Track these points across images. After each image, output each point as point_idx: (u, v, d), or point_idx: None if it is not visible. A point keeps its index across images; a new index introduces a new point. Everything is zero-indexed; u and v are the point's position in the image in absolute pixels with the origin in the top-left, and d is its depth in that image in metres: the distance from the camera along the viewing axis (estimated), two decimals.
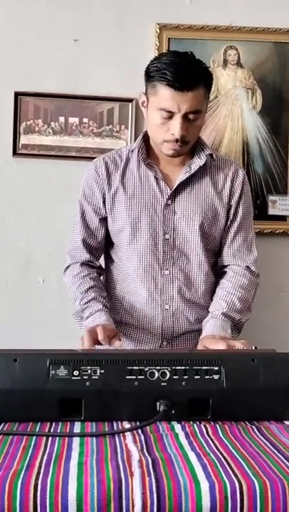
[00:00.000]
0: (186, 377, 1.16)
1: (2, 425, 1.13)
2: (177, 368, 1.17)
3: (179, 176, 1.80)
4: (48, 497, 0.85)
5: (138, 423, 1.11)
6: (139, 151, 1.80)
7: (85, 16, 2.40)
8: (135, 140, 1.92)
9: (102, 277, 1.91)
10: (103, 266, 1.93)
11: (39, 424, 1.14)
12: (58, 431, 1.11)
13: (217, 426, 1.14)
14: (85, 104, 2.40)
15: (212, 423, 1.15)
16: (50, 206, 2.41)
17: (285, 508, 0.88)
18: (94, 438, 1.06)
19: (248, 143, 2.45)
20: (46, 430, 1.11)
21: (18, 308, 2.42)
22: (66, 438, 1.05)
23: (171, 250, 1.80)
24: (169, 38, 2.39)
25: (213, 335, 1.67)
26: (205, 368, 1.17)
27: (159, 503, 0.86)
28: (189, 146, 1.77)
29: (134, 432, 1.09)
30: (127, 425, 1.13)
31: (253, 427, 1.14)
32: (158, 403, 1.14)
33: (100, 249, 1.89)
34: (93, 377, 1.15)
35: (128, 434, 1.08)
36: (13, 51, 2.39)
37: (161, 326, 1.80)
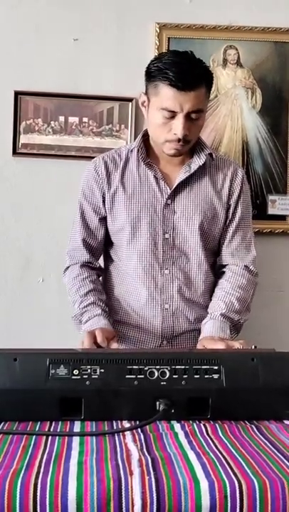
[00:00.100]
0: (185, 376, 1.17)
1: (2, 424, 1.13)
2: (177, 367, 1.17)
3: (179, 175, 1.81)
4: (47, 496, 0.85)
5: (138, 422, 1.11)
6: (138, 150, 1.81)
7: (84, 15, 2.40)
8: (135, 139, 1.92)
9: (101, 278, 1.91)
10: (102, 266, 1.93)
11: (39, 423, 1.14)
12: (58, 430, 1.11)
13: (217, 425, 1.14)
14: (84, 103, 2.40)
15: (212, 422, 1.16)
16: (49, 205, 2.41)
17: (285, 508, 0.88)
18: (94, 437, 1.06)
19: (248, 142, 2.45)
20: (46, 429, 1.11)
21: (18, 308, 2.42)
22: (66, 437, 1.06)
23: (171, 250, 1.80)
24: (168, 38, 2.39)
25: (212, 336, 1.67)
26: (205, 367, 1.17)
27: (159, 502, 0.86)
28: (190, 145, 1.77)
29: (134, 431, 1.09)
30: (126, 424, 1.14)
31: (253, 426, 1.15)
32: (158, 402, 1.14)
33: (100, 249, 1.89)
34: (93, 376, 1.15)
35: (128, 434, 1.08)
36: (13, 50, 2.39)
37: (161, 326, 1.80)
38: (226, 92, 2.44)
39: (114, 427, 1.13)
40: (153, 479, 0.88)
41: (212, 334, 1.68)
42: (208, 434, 1.09)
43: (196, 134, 1.76)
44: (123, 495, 0.86)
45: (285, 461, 0.96)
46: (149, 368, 1.16)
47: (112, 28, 2.41)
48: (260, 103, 2.44)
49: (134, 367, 1.16)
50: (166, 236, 1.80)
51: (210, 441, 1.05)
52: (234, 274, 1.82)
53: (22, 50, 2.39)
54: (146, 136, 1.83)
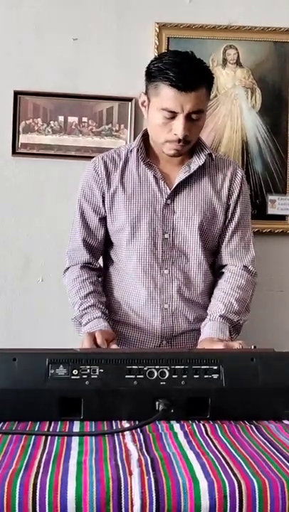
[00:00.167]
0: (185, 376, 1.17)
1: (1, 424, 1.13)
2: (176, 367, 1.17)
3: (179, 175, 1.80)
4: (47, 496, 0.85)
5: (137, 422, 1.11)
6: (138, 150, 1.80)
7: (84, 15, 2.40)
8: (134, 139, 1.92)
9: (101, 278, 1.91)
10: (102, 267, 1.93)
11: (38, 423, 1.14)
12: (57, 430, 1.11)
13: (216, 425, 1.14)
14: (84, 103, 2.40)
15: (211, 422, 1.16)
16: (49, 205, 2.41)
17: (284, 508, 0.88)
18: (93, 437, 1.06)
19: (248, 142, 2.45)
20: (45, 429, 1.11)
21: (18, 308, 2.42)
22: (65, 437, 1.06)
23: (171, 250, 1.80)
24: (168, 37, 2.39)
25: (211, 337, 1.67)
26: (204, 367, 1.17)
27: (158, 502, 0.86)
28: (190, 145, 1.77)
29: (133, 431, 1.09)
30: (126, 424, 1.14)
31: (252, 426, 1.15)
32: (157, 402, 1.14)
33: (100, 249, 1.89)
34: (92, 376, 1.15)
35: (127, 434, 1.08)
36: (12, 50, 2.39)
37: (161, 326, 1.80)
38: (226, 91, 2.44)
39: (114, 427, 1.13)
40: (152, 479, 0.88)
41: (211, 336, 1.68)
42: (207, 434, 1.09)
43: (196, 135, 1.76)
44: (122, 495, 0.86)
45: (285, 461, 0.96)
46: (148, 368, 1.16)
47: (112, 27, 2.41)
48: (259, 103, 2.44)
49: (134, 367, 1.16)
50: (166, 236, 1.80)
51: (209, 441, 1.05)
52: (233, 275, 1.82)
53: (21, 50, 2.39)
54: (145, 136, 1.83)
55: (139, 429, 1.09)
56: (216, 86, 2.40)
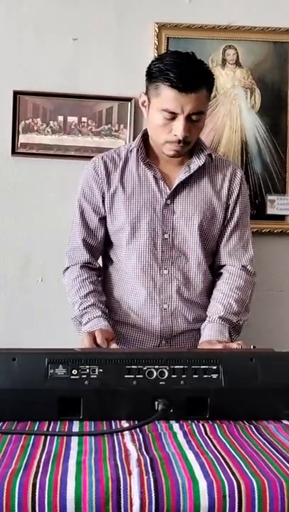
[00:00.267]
0: (184, 376, 1.17)
1: (1, 424, 1.13)
2: (176, 367, 1.17)
3: (178, 175, 1.81)
4: (46, 496, 0.85)
5: (136, 422, 1.12)
6: (138, 150, 1.80)
7: (83, 15, 2.40)
8: (134, 139, 1.92)
9: (100, 278, 1.91)
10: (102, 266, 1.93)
11: (37, 423, 1.14)
12: (57, 430, 1.11)
13: (215, 425, 1.14)
14: (83, 103, 2.40)
15: (210, 422, 1.16)
16: (49, 205, 2.41)
17: (283, 508, 0.88)
18: (92, 437, 1.06)
19: (247, 142, 2.45)
20: (45, 429, 1.11)
21: (17, 307, 2.42)
22: (65, 437, 1.06)
23: (170, 250, 1.80)
24: (167, 38, 2.39)
25: (210, 340, 1.67)
26: (203, 367, 1.17)
27: (157, 501, 0.86)
28: (190, 146, 1.77)
29: (133, 431, 1.09)
30: (125, 424, 1.14)
31: (252, 426, 1.15)
32: (156, 402, 1.14)
33: (100, 249, 1.89)
34: (92, 376, 1.15)
35: (126, 433, 1.08)
36: (12, 50, 2.39)
37: (160, 326, 1.80)
38: (225, 92, 2.44)
39: (113, 427, 1.13)
40: (152, 479, 0.88)
41: (210, 337, 1.68)
42: (206, 433, 1.09)
43: (196, 136, 1.76)
44: (122, 495, 0.86)
45: (284, 461, 0.96)
46: (147, 368, 1.17)
47: (112, 27, 2.41)
48: (259, 103, 2.44)
49: (133, 367, 1.16)
50: (166, 236, 1.80)
51: (208, 441, 1.05)
52: (231, 275, 1.82)
53: (21, 50, 2.39)
54: (145, 136, 1.83)
55: (138, 429, 1.09)
56: (216, 86, 2.40)
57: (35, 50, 2.39)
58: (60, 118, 2.40)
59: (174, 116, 1.67)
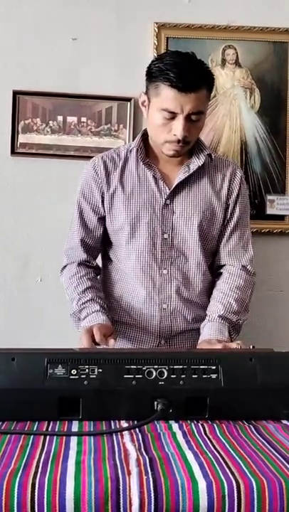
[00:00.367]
0: (183, 376, 1.17)
1: (0, 424, 1.13)
2: (175, 367, 1.17)
3: (178, 175, 1.81)
4: (45, 496, 0.85)
5: (136, 422, 1.11)
6: (138, 150, 1.80)
7: (83, 15, 2.40)
8: (133, 139, 1.92)
9: (99, 277, 1.91)
10: (100, 266, 1.93)
11: (37, 423, 1.14)
12: (56, 430, 1.11)
13: (215, 425, 1.14)
14: (83, 103, 2.40)
15: (210, 422, 1.16)
16: (48, 205, 2.41)
17: (283, 508, 0.88)
18: (92, 437, 1.06)
19: (246, 142, 2.45)
20: (44, 429, 1.11)
21: (16, 307, 2.42)
22: (64, 437, 1.06)
23: (170, 250, 1.80)
24: (167, 37, 2.39)
25: (210, 339, 1.67)
26: (203, 367, 1.17)
27: (157, 501, 0.86)
28: (190, 146, 1.77)
29: (132, 430, 1.09)
30: (124, 424, 1.13)
31: (251, 426, 1.15)
32: (156, 402, 1.14)
33: (98, 248, 1.89)
34: (91, 376, 1.15)
35: (126, 433, 1.08)
36: (11, 50, 2.39)
37: (159, 325, 1.80)
38: (225, 92, 2.44)
39: (112, 427, 1.13)
40: (151, 479, 0.88)
41: (210, 337, 1.68)
42: (206, 433, 1.09)
43: (195, 136, 1.76)
44: (121, 495, 0.86)
45: (283, 461, 0.96)
46: (147, 368, 1.16)
47: (111, 27, 2.41)
48: (258, 103, 2.44)
49: (132, 367, 1.16)
50: (165, 236, 1.80)
51: (208, 441, 1.05)
52: (231, 275, 1.82)
53: (21, 50, 2.39)
54: (145, 136, 1.83)
55: (137, 429, 1.09)
56: (215, 86, 2.39)
57: (35, 50, 2.40)
58: (60, 118, 2.40)
59: (173, 116, 1.67)
